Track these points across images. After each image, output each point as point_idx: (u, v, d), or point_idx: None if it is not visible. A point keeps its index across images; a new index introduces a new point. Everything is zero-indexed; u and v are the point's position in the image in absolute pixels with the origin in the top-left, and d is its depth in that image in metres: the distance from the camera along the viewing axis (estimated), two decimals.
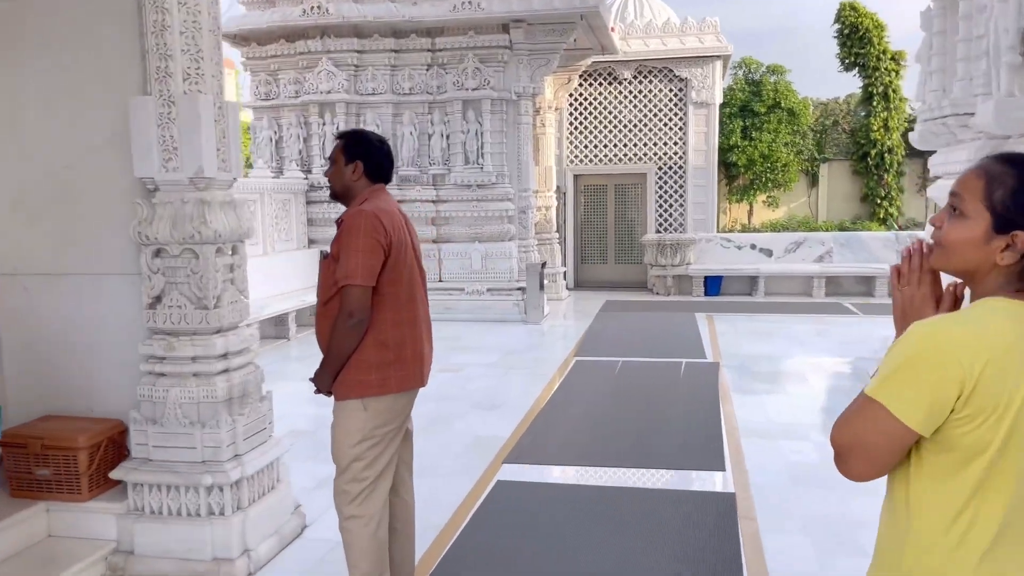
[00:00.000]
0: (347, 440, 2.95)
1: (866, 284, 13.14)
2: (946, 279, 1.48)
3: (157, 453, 3.64)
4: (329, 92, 11.02)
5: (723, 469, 4.89)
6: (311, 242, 11.20)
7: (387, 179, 3.14)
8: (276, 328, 9.68)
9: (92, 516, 3.69)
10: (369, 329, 2.91)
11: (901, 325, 1.46)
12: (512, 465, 5.03)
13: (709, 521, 4.12)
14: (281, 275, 10.03)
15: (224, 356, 3.71)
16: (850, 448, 1.34)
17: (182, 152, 3.57)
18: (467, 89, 10.87)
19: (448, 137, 11.11)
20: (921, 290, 1.46)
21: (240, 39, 11.62)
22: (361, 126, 11.10)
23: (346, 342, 2.89)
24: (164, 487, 3.62)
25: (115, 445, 3.77)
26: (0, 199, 3.89)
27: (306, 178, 11.15)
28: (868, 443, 1.32)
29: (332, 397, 3.01)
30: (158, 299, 3.68)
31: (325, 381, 2.98)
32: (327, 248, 3.01)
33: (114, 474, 3.68)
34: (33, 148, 3.84)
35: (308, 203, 11.19)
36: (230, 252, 3.81)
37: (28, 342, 3.94)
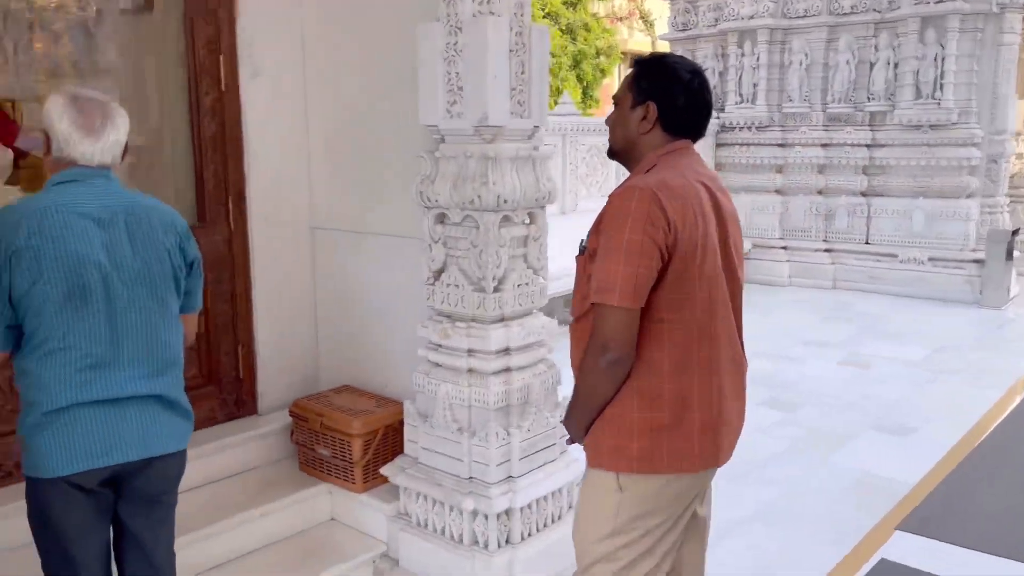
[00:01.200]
0: (593, 529, 1.99)
1: None
2: None
3: (425, 456, 3.07)
4: (752, 17, 9.57)
5: None
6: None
7: (697, 133, 2.02)
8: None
9: (366, 510, 3.28)
10: (634, 373, 1.87)
11: None
12: (909, 536, 3.53)
13: None
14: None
15: (504, 352, 2.94)
16: None
17: (467, 93, 2.81)
18: (929, 3, 8.53)
19: (896, 66, 8.92)
20: None
21: None
22: (787, 55, 9.52)
23: (598, 386, 1.89)
24: (429, 499, 3.04)
25: (397, 435, 3.30)
26: (316, 147, 3.61)
27: (717, 117, 9.95)
28: None
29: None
30: (439, 274, 3.05)
31: (576, 430, 2.03)
32: (585, 238, 2.00)
33: (384, 470, 3.21)
34: (344, 91, 3.46)
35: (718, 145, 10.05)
36: (525, 221, 3.00)
37: (337, 303, 3.67)
